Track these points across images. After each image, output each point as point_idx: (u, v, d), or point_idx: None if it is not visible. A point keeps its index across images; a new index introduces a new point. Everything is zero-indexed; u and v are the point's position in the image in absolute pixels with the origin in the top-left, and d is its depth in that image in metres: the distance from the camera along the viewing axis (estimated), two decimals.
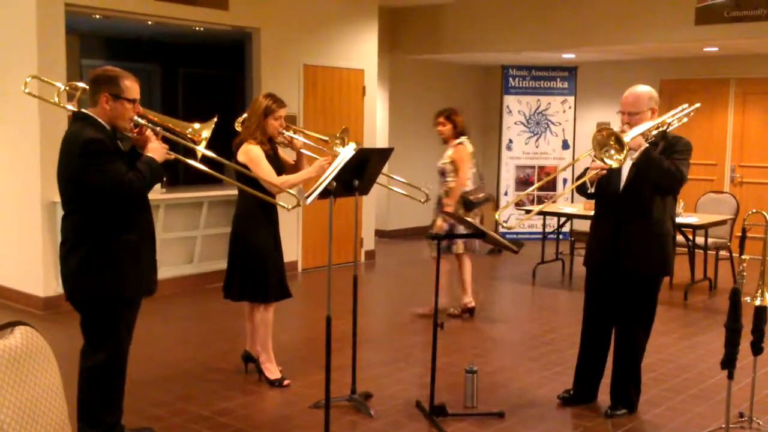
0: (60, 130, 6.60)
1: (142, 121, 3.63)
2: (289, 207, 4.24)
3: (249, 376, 4.99)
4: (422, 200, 5.20)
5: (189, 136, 3.85)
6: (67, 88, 3.88)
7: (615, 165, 3.97)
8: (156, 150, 3.62)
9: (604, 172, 4.17)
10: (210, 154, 3.93)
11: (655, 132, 4.26)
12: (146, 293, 3.75)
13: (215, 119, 3.99)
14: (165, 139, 3.74)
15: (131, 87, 3.56)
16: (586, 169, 4.37)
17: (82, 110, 3.60)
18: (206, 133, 3.84)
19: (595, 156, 4.04)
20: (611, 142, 3.94)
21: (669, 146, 4.25)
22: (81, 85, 3.81)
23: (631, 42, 9.04)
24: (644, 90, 4.32)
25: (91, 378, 3.61)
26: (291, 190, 4.52)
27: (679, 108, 4.46)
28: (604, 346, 4.51)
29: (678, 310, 7.18)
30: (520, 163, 10.83)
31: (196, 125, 3.88)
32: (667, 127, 4.34)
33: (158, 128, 3.73)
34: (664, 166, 4.13)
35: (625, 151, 3.89)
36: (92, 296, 3.56)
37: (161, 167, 3.61)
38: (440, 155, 7.07)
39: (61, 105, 3.85)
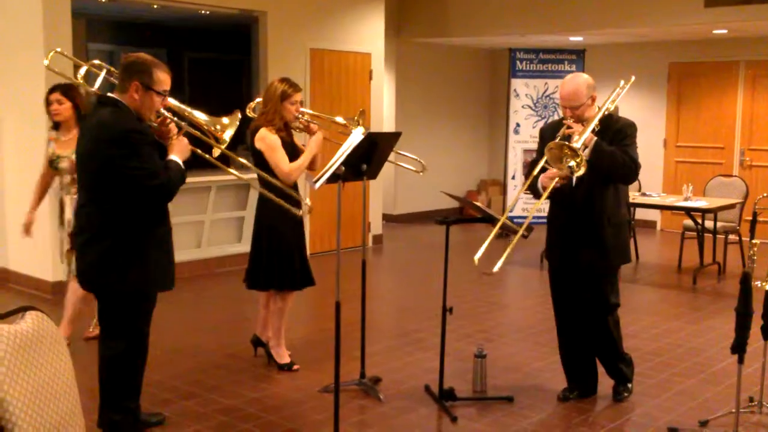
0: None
1: (167, 114, 3.56)
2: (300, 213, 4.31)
3: (258, 360, 5.00)
4: (420, 171, 5.14)
5: (213, 133, 3.79)
6: (92, 68, 3.87)
7: (577, 166, 3.81)
8: (180, 149, 3.58)
9: (565, 181, 4.01)
10: (229, 153, 3.88)
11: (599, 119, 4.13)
12: (169, 286, 3.71)
13: (238, 115, 3.92)
14: (187, 134, 3.68)
15: (163, 79, 3.48)
16: (533, 164, 4.20)
17: (110, 95, 3.50)
18: (231, 131, 3.78)
19: (558, 169, 3.90)
20: (566, 151, 3.82)
21: (616, 131, 4.16)
22: (104, 65, 3.80)
23: (639, 25, 8.96)
24: (580, 81, 4.21)
25: (112, 366, 3.60)
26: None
27: (617, 89, 4.37)
28: (583, 340, 4.45)
29: (687, 295, 7.16)
30: (527, 147, 10.77)
31: (225, 120, 3.80)
32: (608, 111, 4.22)
33: (183, 123, 3.67)
34: (617, 160, 4.05)
35: (581, 155, 3.80)
36: (115, 289, 3.51)
37: (184, 169, 3.55)
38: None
39: (84, 85, 3.85)
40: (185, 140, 3.63)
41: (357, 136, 3.91)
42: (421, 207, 11.29)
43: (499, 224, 3.97)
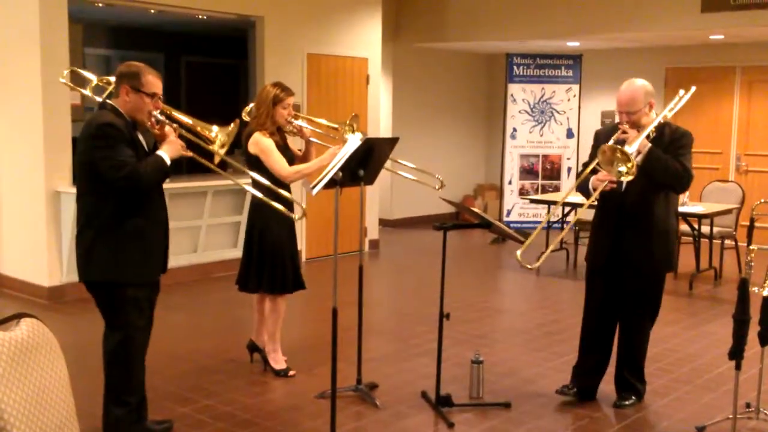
0: (63, 119, 6.63)
1: (161, 117, 3.67)
2: (296, 217, 4.32)
3: (254, 366, 4.98)
4: (436, 186, 5.07)
5: (206, 137, 3.86)
6: (102, 82, 3.97)
7: (627, 173, 3.86)
8: (170, 146, 3.67)
9: (614, 185, 4.06)
10: (228, 159, 3.95)
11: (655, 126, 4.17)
12: (154, 276, 3.76)
13: (235, 125, 3.99)
14: (182, 137, 3.77)
15: (152, 82, 3.62)
16: (585, 165, 4.26)
17: (107, 100, 3.68)
18: (223, 138, 3.86)
19: (608, 173, 3.95)
20: (618, 155, 3.86)
21: (672, 141, 4.17)
22: (113, 79, 3.91)
23: (636, 30, 8.98)
24: (638, 86, 4.20)
25: (110, 360, 3.68)
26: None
27: (676, 98, 4.40)
28: (607, 345, 4.46)
29: (683, 300, 7.15)
30: (524, 152, 10.79)
31: (214, 128, 3.89)
32: (665, 119, 4.26)
33: (175, 125, 3.74)
34: (670, 167, 4.07)
35: (633, 161, 3.83)
36: (98, 280, 3.62)
37: (167, 166, 3.62)
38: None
39: (93, 95, 3.96)
40: (179, 141, 3.72)
41: (354, 141, 3.90)
42: (418, 212, 11.29)
43: (537, 231, 3.99)
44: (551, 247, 4.15)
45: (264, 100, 4.67)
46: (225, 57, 11.89)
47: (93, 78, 4.10)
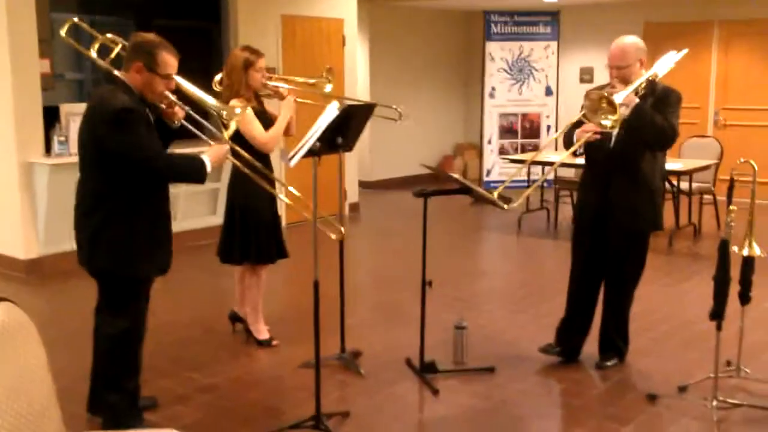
0: (33, 88, 6.47)
1: (173, 98, 3.51)
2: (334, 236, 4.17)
3: (236, 337, 4.96)
4: (396, 119, 5.01)
5: (220, 118, 3.78)
6: (107, 40, 3.82)
7: (612, 127, 3.88)
8: (216, 152, 3.57)
9: (598, 136, 4.07)
10: (236, 147, 3.99)
11: (644, 84, 4.19)
12: (160, 272, 3.65)
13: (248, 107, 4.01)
14: (190, 118, 3.64)
15: (168, 62, 3.44)
16: (572, 125, 4.25)
17: (115, 72, 3.49)
18: (237, 121, 3.78)
19: (591, 121, 3.95)
20: (603, 105, 3.86)
21: (660, 99, 4.18)
22: (119, 39, 3.76)
23: None
24: (630, 41, 4.22)
25: (112, 346, 3.56)
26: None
27: (667, 56, 4.40)
28: (592, 304, 4.49)
29: (663, 257, 7.20)
30: (503, 111, 10.74)
31: (237, 110, 3.83)
32: (655, 77, 4.27)
33: (187, 108, 3.60)
34: (657, 123, 4.07)
35: (618, 113, 3.82)
36: (107, 270, 3.49)
37: (205, 173, 3.49)
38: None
39: (95, 59, 3.85)
40: (226, 148, 3.66)
41: (332, 111, 3.82)
42: (398, 173, 11.24)
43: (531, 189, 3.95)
44: (528, 191, 4.24)
45: (235, 66, 4.52)
46: (197, 20, 11.64)
47: (98, 36, 3.93)
